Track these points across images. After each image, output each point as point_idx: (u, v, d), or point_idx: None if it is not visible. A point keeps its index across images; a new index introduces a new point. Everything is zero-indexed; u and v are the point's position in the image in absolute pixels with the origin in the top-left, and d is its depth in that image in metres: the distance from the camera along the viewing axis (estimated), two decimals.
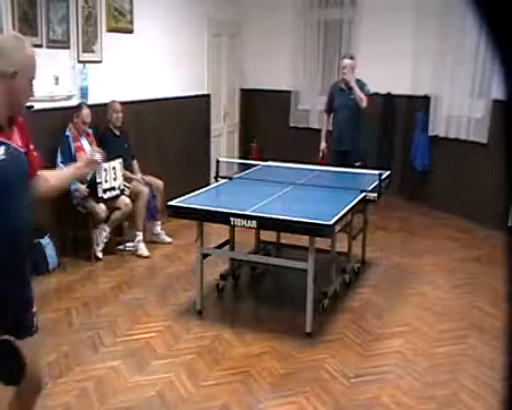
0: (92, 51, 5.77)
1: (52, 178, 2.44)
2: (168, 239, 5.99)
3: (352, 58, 6.09)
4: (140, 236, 5.64)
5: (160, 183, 6.00)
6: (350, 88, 5.98)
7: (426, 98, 7.46)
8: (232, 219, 3.94)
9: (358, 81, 6.06)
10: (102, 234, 5.41)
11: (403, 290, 4.94)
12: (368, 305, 4.64)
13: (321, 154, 6.35)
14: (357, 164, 5.89)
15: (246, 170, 5.79)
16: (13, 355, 2.06)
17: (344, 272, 4.89)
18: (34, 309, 2.29)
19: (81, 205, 5.28)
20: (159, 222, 5.98)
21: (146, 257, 5.58)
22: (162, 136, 6.82)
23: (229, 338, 3.98)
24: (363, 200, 4.69)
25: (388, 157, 7.83)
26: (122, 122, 5.82)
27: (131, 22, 6.34)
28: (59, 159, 5.20)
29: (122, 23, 6.21)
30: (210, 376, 3.51)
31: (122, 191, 5.49)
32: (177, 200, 4.26)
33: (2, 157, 2.05)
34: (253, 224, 3.90)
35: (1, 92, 2.07)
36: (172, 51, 7.06)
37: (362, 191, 4.67)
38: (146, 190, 5.71)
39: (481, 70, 6.66)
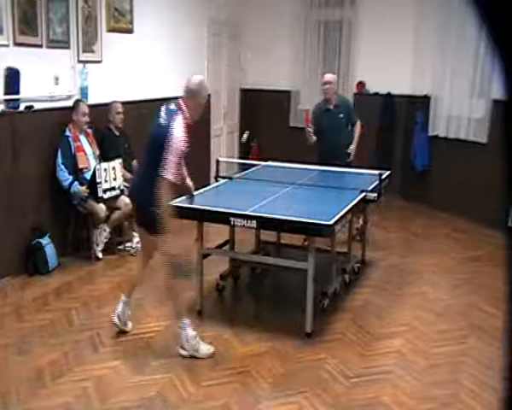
0: (92, 51, 5.77)
1: None
2: None
3: (333, 73, 5.96)
4: (137, 237, 5.62)
5: None
6: (336, 106, 5.74)
7: (426, 98, 7.46)
8: (232, 219, 3.94)
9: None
10: (102, 234, 5.41)
11: (403, 290, 4.94)
12: (368, 305, 4.63)
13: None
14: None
15: (246, 170, 5.78)
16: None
17: (344, 272, 4.88)
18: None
19: (81, 205, 5.28)
20: None
21: None
22: None
23: (228, 338, 3.98)
24: (363, 200, 4.69)
25: (388, 157, 7.83)
26: (122, 122, 5.81)
27: (131, 22, 6.34)
28: (59, 159, 5.19)
29: (122, 23, 6.21)
30: (210, 376, 3.51)
31: (122, 191, 5.49)
32: (177, 200, 4.26)
33: None
34: (253, 224, 3.90)
35: None
36: (172, 51, 7.06)
37: (362, 191, 4.68)
38: None
39: (481, 70, 6.66)
